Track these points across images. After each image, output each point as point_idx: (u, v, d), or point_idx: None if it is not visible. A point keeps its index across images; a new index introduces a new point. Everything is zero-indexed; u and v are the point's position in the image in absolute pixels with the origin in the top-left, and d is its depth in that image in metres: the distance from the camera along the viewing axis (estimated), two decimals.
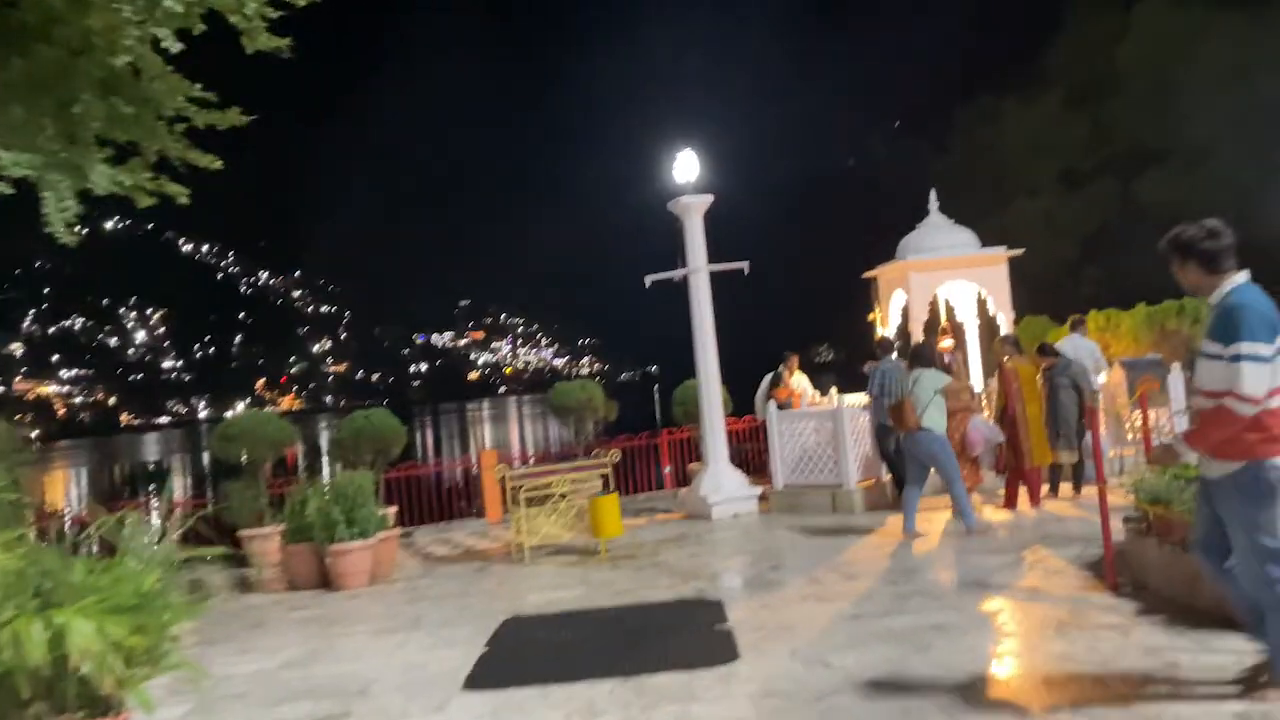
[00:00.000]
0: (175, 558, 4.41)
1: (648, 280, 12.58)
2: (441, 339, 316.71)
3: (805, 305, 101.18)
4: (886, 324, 14.10)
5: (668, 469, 15.26)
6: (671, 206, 12.59)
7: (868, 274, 14.69)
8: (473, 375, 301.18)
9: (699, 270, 12.44)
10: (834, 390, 13.42)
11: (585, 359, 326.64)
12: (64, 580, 3.87)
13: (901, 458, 10.36)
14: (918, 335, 12.97)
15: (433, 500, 14.15)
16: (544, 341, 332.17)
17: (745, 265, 12.51)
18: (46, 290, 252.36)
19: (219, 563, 10.65)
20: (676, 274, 12.53)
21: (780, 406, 12.47)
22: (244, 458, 11.96)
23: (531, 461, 14.03)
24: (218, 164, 6.35)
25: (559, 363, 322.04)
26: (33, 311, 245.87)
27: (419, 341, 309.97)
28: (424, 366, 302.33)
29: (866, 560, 8.72)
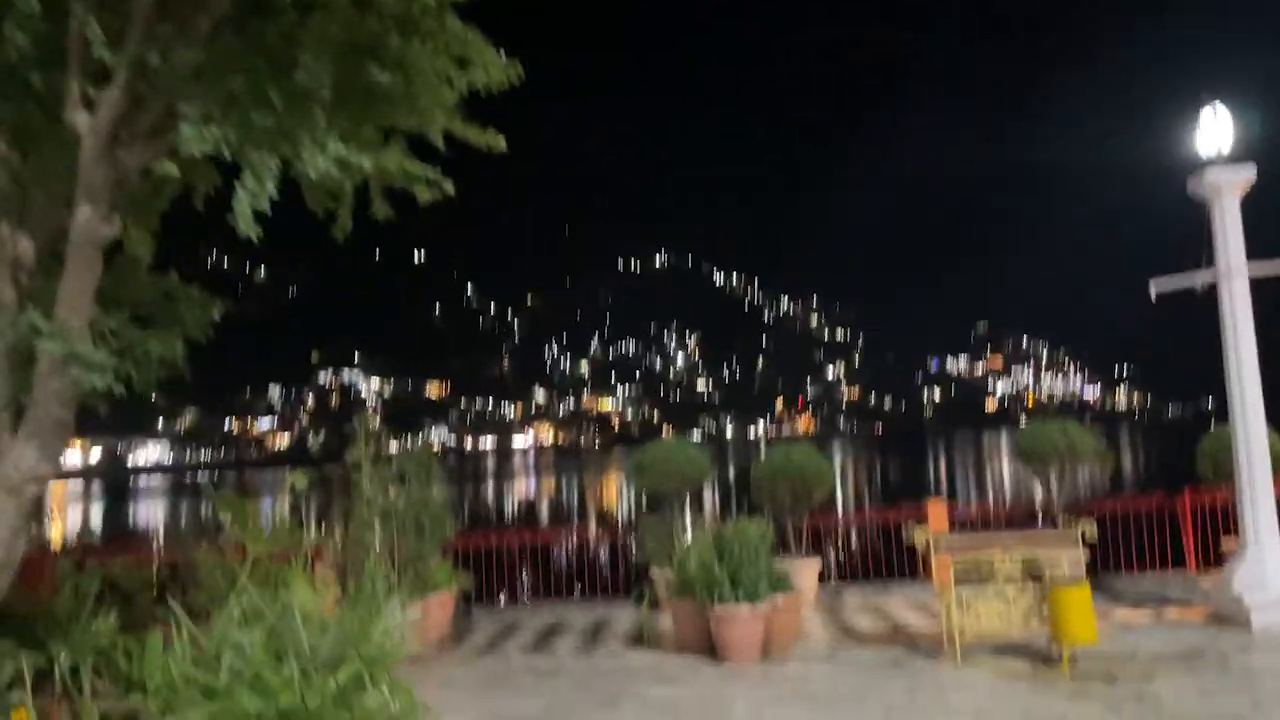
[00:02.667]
0: None
1: (1153, 289, 9.16)
2: (956, 364, 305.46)
3: None
4: None
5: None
6: (1192, 187, 9.06)
7: None
8: (990, 405, 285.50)
9: (1235, 273, 8.74)
10: None
11: (1121, 388, 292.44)
12: None
13: None
14: None
15: (870, 551, 11.93)
16: (1072, 369, 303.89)
17: None
18: (608, 319, 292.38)
19: (636, 604, 9.75)
20: (1198, 279, 8.95)
21: None
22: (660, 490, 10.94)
23: (978, 522, 11.17)
24: (500, 142, 5.13)
25: (1090, 393, 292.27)
26: (596, 336, 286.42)
27: (932, 367, 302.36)
28: (937, 393, 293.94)
29: None
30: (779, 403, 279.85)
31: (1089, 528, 8.23)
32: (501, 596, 11.69)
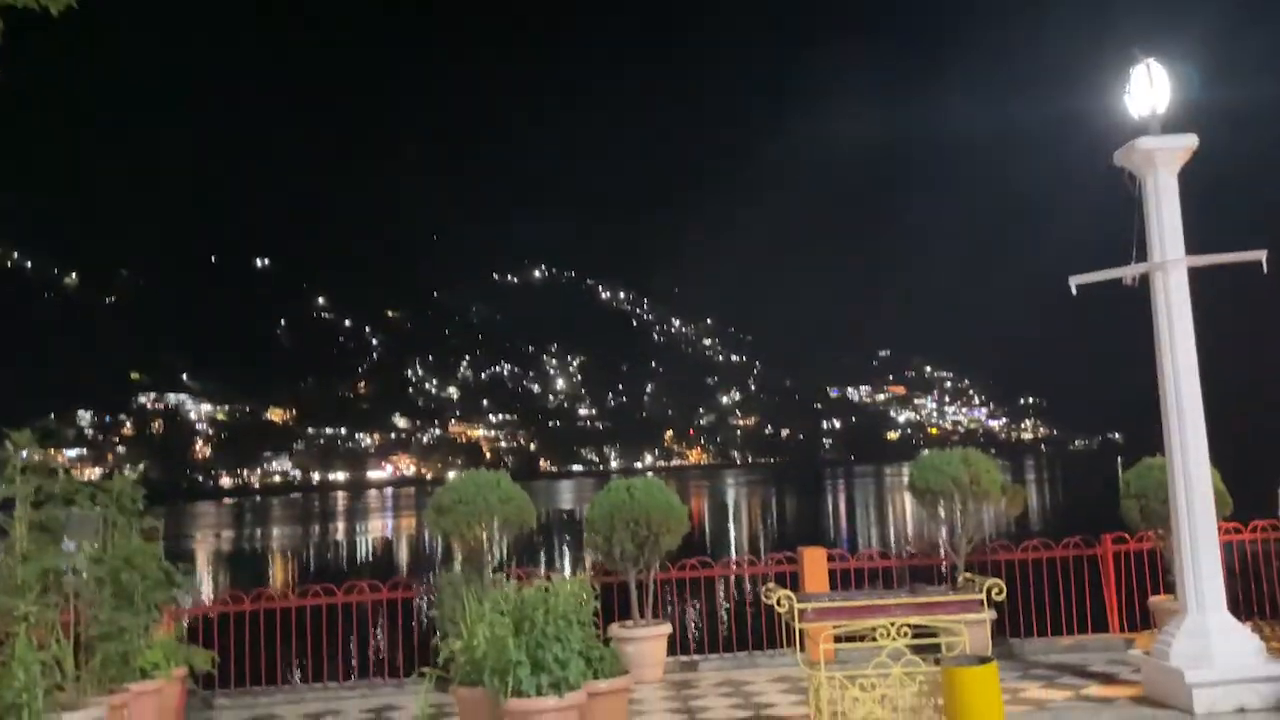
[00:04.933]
0: None
1: (1073, 283, 8.13)
2: (857, 393, 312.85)
3: None
4: None
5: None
6: (1120, 159, 8.09)
7: None
8: (892, 435, 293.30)
9: (1171, 265, 7.77)
10: None
11: (1027, 421, 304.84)
12: None
13: None
14: None
15: (736, 612, 10.60)
16: (977, 400, 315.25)
17: (1263, 255, 7.63)
18: (480, 337, 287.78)
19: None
20: (1127, 272, 7.95)
21: None
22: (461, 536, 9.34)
23: (865, 575, 9.94)
24: None
25: (995, 424, 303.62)
26: (467, 358, 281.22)
27: (833, 396, 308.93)
28: (838, 423, 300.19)
29: None
30: (669, 433, 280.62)
31: (995, 587, 7.05)
32: (269, 677, 9.84)
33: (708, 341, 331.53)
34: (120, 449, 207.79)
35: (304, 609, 9.96)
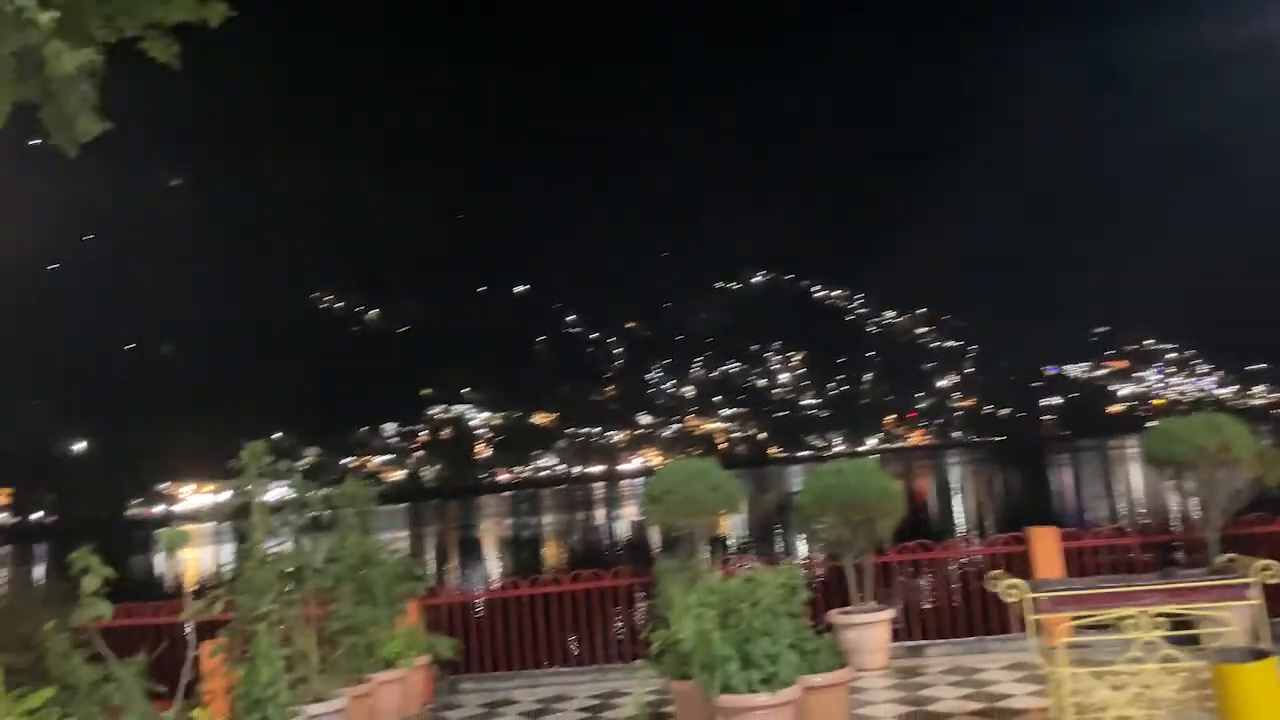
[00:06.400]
0: None
1: None
2: (1076, 370, 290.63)
3: None
4: None
5: None
6: None
7: None
8: (1114, 409, 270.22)
9: None
10: None
11: (1257, 387, 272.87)
12: None
13: None
14: None
15: (966, 595, 9.22)
16: (1202, 368, 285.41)
17: None
18: (708, 340, 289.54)
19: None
20: None
21: None
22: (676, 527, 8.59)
23: (1105, 557, 8.30)
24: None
25: (1222, 392, 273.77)
26: (699, 359, 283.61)
27: (1049, 373, 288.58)
28: (1057, 400, 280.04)
29: None
30: (889, 417, 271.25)
31: (1268, 568, 5.54)
32: (505, 663, 9.45)
33: (921, 330, 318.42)
34: (418, 454, 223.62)
35: (551, 596, 9.50)
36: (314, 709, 6.41)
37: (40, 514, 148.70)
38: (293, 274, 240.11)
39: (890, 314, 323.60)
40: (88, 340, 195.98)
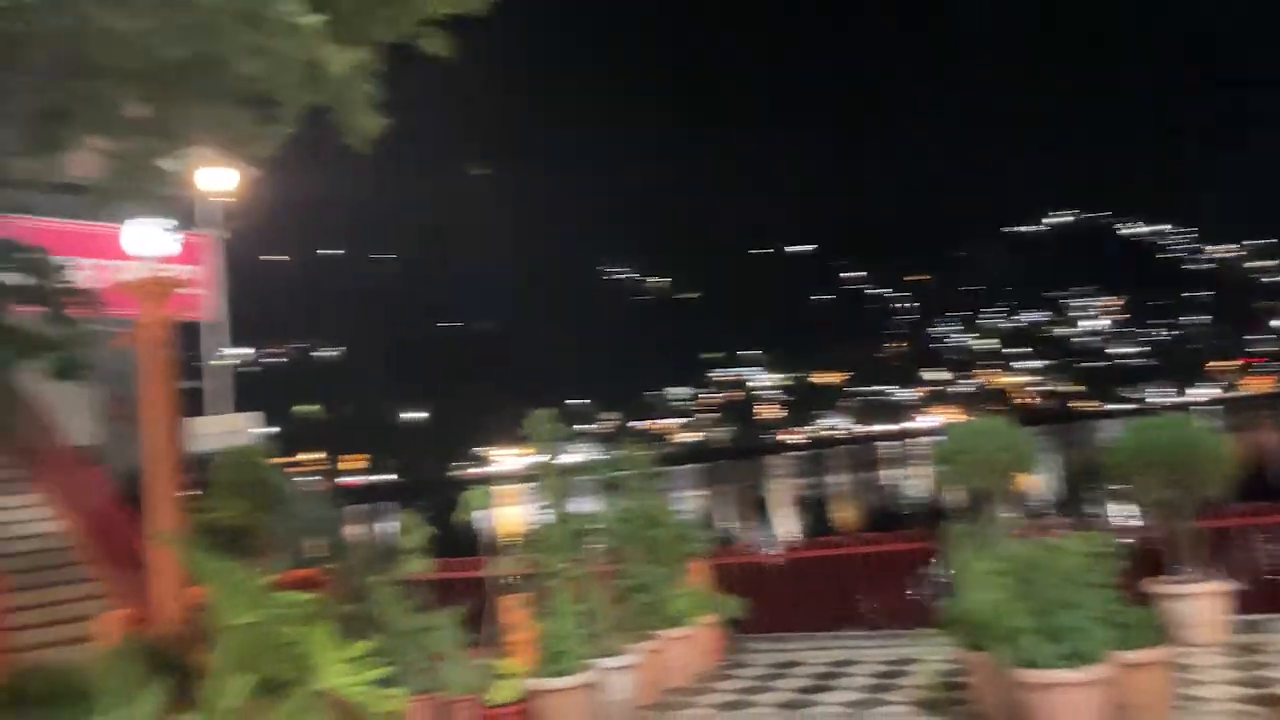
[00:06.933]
0: None
1: None
2: None
3: None
4: None
5: None
6: None
7: None
8: None
9: None
10: None
11: None
12: None
13: None
14: None
15: None
16: None
17: None
18: (999, 289, 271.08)
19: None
20: None
21: None
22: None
23: None
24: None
25: None
26: (989, 310, 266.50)
27: None
28: None
29: None
30: (1218, 363, 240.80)
31: None
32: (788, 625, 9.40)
33: (1249, 264, 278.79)
34: (705, 416, 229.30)
35: (826, 559, 9.36)
36: (608, 662, 6.69)
37: (392, 475, 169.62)
38: (590, 250, 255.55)
39: (1209, 247, 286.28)
40: (415, 322, 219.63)
